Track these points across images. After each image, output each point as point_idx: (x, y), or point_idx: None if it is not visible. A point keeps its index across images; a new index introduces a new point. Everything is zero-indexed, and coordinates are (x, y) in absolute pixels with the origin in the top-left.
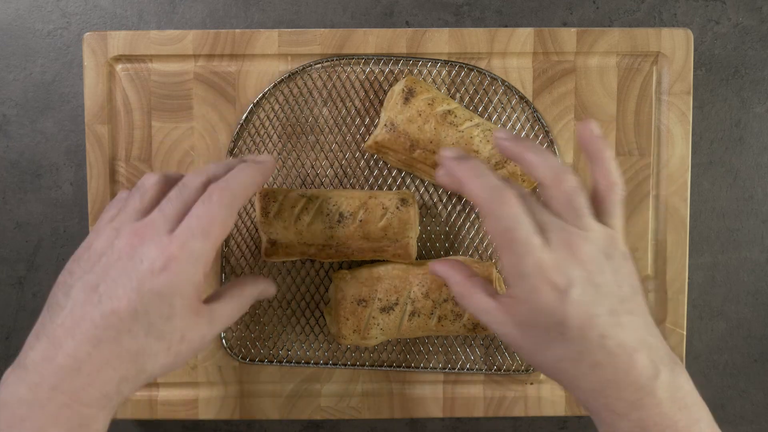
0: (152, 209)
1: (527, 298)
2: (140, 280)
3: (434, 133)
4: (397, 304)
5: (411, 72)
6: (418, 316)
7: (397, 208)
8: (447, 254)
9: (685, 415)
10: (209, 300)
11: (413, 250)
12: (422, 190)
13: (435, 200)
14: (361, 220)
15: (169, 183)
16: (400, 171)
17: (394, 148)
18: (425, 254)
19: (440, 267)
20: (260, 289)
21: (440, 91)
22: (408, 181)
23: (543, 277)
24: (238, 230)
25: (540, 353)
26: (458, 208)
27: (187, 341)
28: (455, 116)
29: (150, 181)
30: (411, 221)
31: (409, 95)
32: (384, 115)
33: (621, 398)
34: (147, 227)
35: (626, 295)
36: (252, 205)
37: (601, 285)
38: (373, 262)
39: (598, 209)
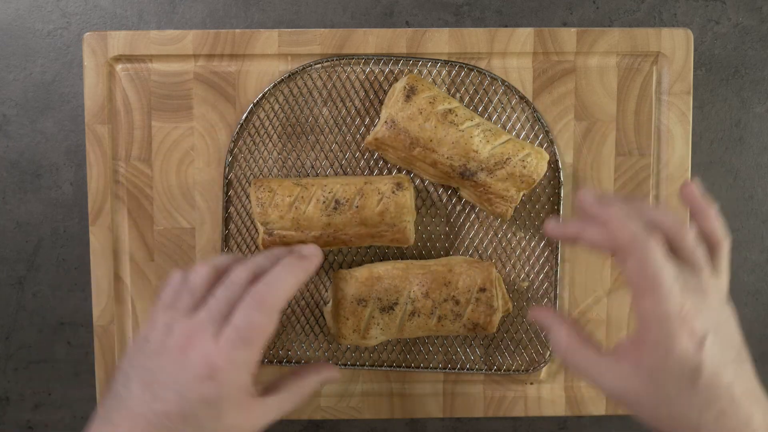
0: (202, 304)
1: (664, 344)
2: (188, 388)
3: (434, 132)
4: (397, 303)
5: (411, 72)
6: (418, 315)
7: (393, 192)
8: (447, 253)
9: None
10: (265, 391)
11: (411, 234)
12: (422, 188)
13: (434, 199)
14: (357, 206)
15: (219, 275)
16: (399, 169)
17: (394, 145)
18: (425, 254)
19: (539, 314)
20: (323, 378)
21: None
22: None
23: (684, 323)
24: (236, 227)
25: (666, 404)
26: (458, 207)
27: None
28: (456, 115)
29: (200, 276)
30: (407, 205)
31: (410, 93)
32: (385, 112)
33: None
34: (195, 329)
35: (740, 344)
36: (248, 197)
37: (726, 334)
38: (373, 262)
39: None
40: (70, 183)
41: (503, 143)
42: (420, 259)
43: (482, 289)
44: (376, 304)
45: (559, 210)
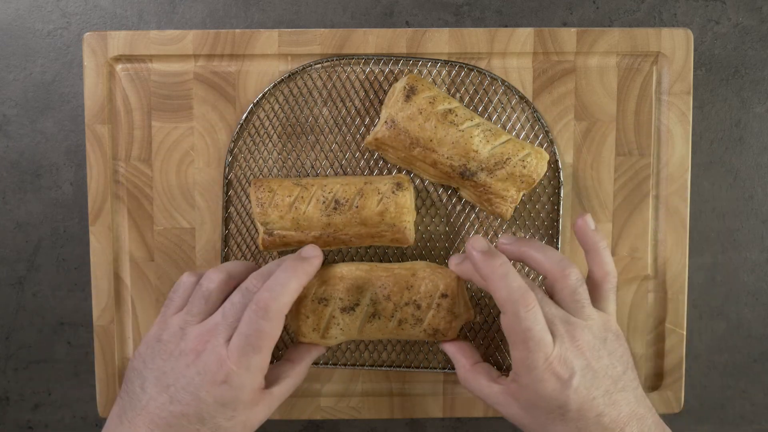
0: (215, 309)
1: (533, 387)
2: (205, 391)
3: (434, 132)
4: (358, 304)
5: (411, 72)
6: (379, 318)
7: (393, 192)
8: (447, 253)
9: None
10: (268, 383)
11: (411, 234)
12: (422, 188)
13: (434, 199)
14: (357, 206)
15: (232, 282)
16: (399, 169)
17: (394, 145)
18: (425, 254)
19: (449, 347)
20: (313, 357)
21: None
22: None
23: (549, 369)
24: (236, 227)
25: (543, 429)
26: (458, 207)
27: (250, 425)
28: (456, 115)
29: (214, 282)
30: (407, 205)
31: (410, 93)
32: (385, 112)
33: None
34: (210, 333)
35: (619, 374)
36: (248, 197)
37: (598, 370)
38: (337, 262)
39: (594, 296)
40: (70, 183)
41: (503, 143)
42: (420, 259)
43: (444, 295)
44: (337, 303)
45: (559, 210)
